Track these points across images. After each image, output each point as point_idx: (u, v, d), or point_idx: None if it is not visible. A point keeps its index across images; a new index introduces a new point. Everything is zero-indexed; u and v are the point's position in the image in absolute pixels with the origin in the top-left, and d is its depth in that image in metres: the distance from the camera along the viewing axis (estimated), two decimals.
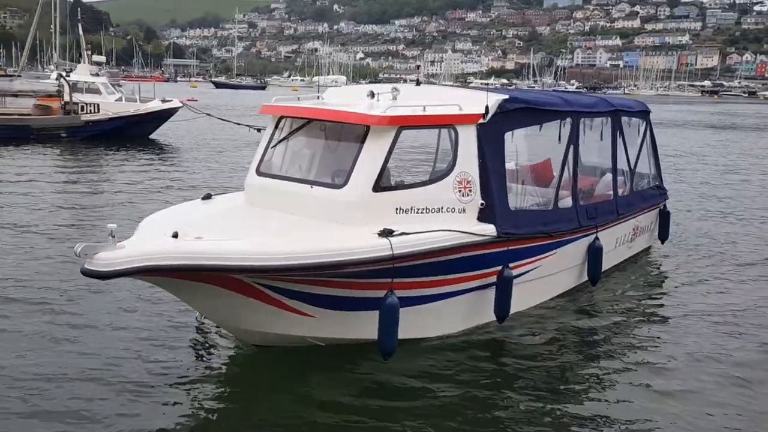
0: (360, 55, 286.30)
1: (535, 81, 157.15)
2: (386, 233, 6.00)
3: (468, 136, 7.01)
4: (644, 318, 8.56)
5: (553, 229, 8.01)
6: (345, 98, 7.83)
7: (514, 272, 7.25)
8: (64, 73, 27.22)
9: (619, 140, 9.98)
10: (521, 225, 7.41)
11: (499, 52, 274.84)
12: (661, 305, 9.10)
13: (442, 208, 6.72)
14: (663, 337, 7.86)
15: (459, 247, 6.53)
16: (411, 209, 6.54)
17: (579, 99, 9.47)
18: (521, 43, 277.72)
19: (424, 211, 6.63)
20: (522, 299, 7.74)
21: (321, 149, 7.30)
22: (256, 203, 6.92)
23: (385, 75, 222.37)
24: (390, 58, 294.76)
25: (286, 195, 6.70)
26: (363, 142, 6.59)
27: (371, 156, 6.52)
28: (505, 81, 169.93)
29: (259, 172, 7.13)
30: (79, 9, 55.43)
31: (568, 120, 8.62)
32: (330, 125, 7.09)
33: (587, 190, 9.64)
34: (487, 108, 7.12)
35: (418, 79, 8.99)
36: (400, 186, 6.85)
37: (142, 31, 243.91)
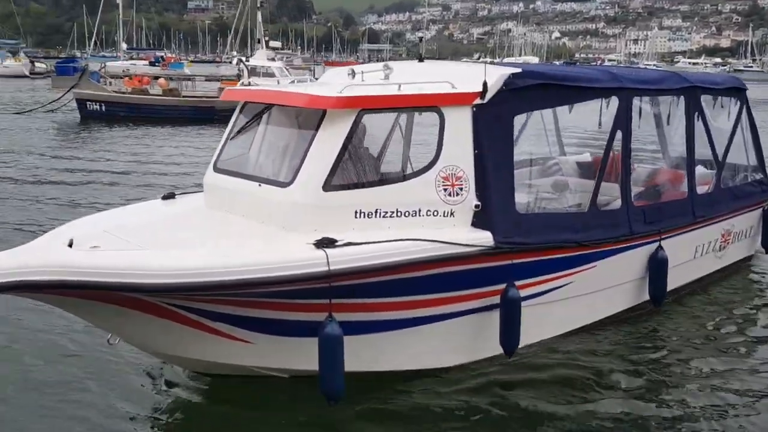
0: (556, 34, 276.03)
1: (754, 60, 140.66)
2: (324, 243, 4.79)
3: (458, 121, 5.53)
4: (721, 353, 6.56)
5: (587, 237, 6.27)
6: (335, 78, 6.65)
7: (525, 292, 5.75)
8: (244, 59, 28.93)
9: (698, 124, 7.85)
10: (533, 232, 5.86)
11: (713, 28, 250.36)
12: (752, 338, 6.92)
13: (419, 210, 5.35)
14: (748, 387, 5.85)
15: (428, 262, 5.11)
16: (376, 212, 5.23)
17: (635, 73, 7.45)
18: (739, 18, 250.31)
19: (394, 214, 5.26)
20: (541, 326, 6.21)
21: (276, 140, 5.97)
22: (211, 204, 5.83)
23: (582, 55, 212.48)
24: (588, 37, 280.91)
25: (236, 195, 5.59)
26: (317, 130, 5.33)
27: (323, 147, 5.23)
28: (718, 60, 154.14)
29: (216, 168, 6.01)
30: None
31: (614, 99, 6.83)
32: (285, 111, 5.82)
33: (647, 188, 7.83)
34: (485, 85, 5.58)
35: (420, 55, 7.28)
36: (362, 184, 5.32)
37: (341, 18, 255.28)
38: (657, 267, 6.95)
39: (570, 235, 6.14)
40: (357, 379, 5.22)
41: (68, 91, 29.45)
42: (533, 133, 8.29)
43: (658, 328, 7.11)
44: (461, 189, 5.45)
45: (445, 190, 5.41)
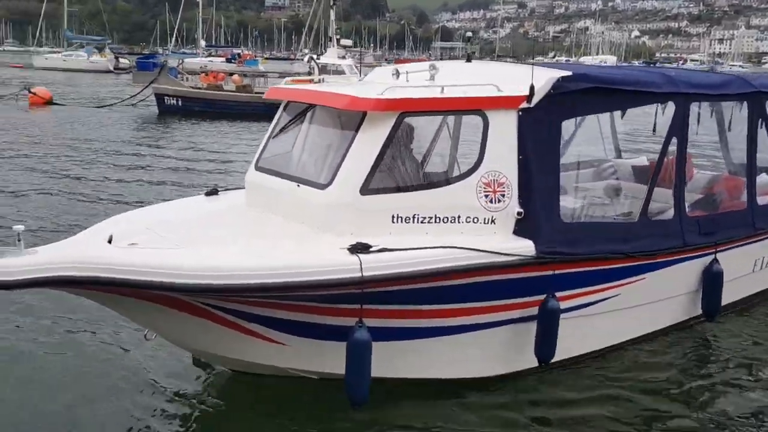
0: (635, 33, 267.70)
1: None
2: (359, 249, 4.68)
3: (503, 125, 5.32)
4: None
5: (636, 248, 5.96)
6: (381, 78, 6.42)
7: (567, 304, 5.52)
8: (315, 57, 29.14)
9: (762, 131, 7.37)
10: (578, 242, 5.59)
11: None
12: None
13: (458, 217, 5.18)
14: None
15: (463, 271, 4.95)
16: (414, 217, 5.08)
17: (695, 77, 6.98)
18: None
19: (432, 220, 5.11)
20: (584, 339, 6.00)
21: (317, 140, 5.89)
22: (251, 203, 5.82)
23: (663, 54, 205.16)
24: (670, 36, 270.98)
25: (276, 194, 5.53)
26: (357, 132, 5.22)
27: (362, 150, 5.12)
28: None
29: (257, 167, 5.97)
30: None
31: (671, 105, 6.45)
32: (327, 111, 5.70)
33: (704, 197, 7.40)
34: (532, 89, 5.35)
35: (468, 55, 7.03)
36: (400, 188, 5.20)
37: (415, 16, 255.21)
38: (711, 280, 6.64)
39: (617, 245, 5.88)
40: (392, 386, 5.20)
41: (147, 86, 30.49)
42: (588, 134, 8.00)
43: (711, 342, 6.80)
44: (503, 195, 5.28)
45: (487, 196, 5.25)
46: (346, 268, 4.55)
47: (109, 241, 4.71)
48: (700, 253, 6.57)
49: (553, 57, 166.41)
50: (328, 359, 5.02)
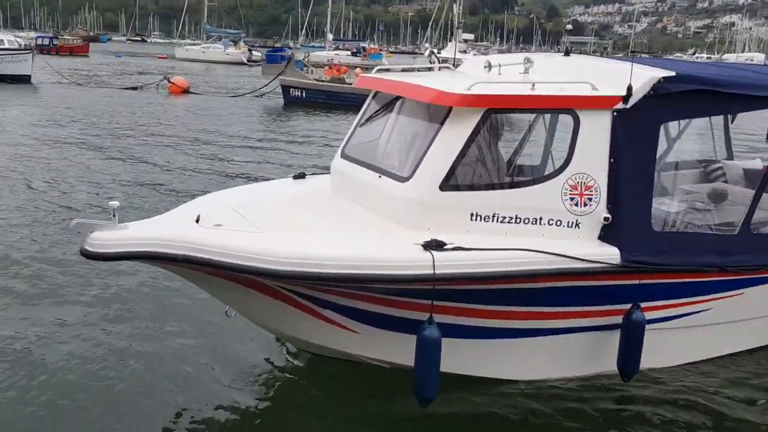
0: None
1: None
2: (433, 245, 4.55)
3: (596, 126, 5.03)
4: None
5: (733, 261, 5.52)
6: (474, 69, 6.14)
7: (652, 315, 5.23)
8: (435, 51, 29.00)
9: None
10: (669, 251, 5.23)
11: None
12: None
13: (540, 219, 4.97)
14: None
15: (538, 276, 4.76)
16: (493, 216, 4.92)
17: None
18: None
19: (513, 220, 4.93)
20: (670, 352, 5.71)
21: (404, 131, 5.76)
22: (336, 189, 5.83)
23: None
24: None
25: (358, 183, 5.49)
26: (441, 126, 5.05)
27: (446, 145, 4.98)
28: None
29: (343, 154, 5.92)
30: None
31: None
32: (414, 104, 5.56)
33: None
34: (629, 89, 4.99)
35: (567, 48, 6.71)
36: (481, 186, 5.04)
37: (545, 10, 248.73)
38: None
39: (713, 258, 5.48)
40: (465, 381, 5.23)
41: (275, 78, 31.78)
42: (696, 131, 7.45)
43: None
44: (590, 199, 5.03)
45: (572, 199, 5.03)
46: (419, 265, 4.50)
47: (197, 221, 4.90)
48: None
49: (693, 54, 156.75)
50: (399, 350, 5.02)
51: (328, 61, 52.41)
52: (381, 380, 5.44)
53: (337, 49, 73.33)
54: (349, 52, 69.00)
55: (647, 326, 5.13)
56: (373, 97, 6.25)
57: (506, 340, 5.22)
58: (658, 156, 6.85)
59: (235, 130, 21.20)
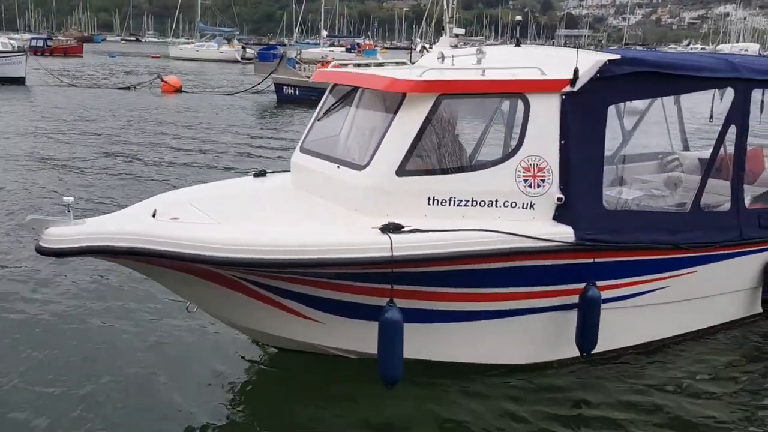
0: None
1: None
2: (390, 228, 4.65)
3: (546, 109, 5.20)
4: None
5: (685, 238, 5.69)
6: (429, 62, 6.29)
7: (609, 293, 5.37)
8: (427, 46, 28.96)
9: None
10: (622, 230, 5.39)
11: None
12: None
13: (496, 201, 5.09)
14: None
15: (494, 255, 4.86)
16: (450, 200, 5.03)
17: (756, 63, 6.44)
18: None
19: (469, 203, 5.04)
20: (628, 331, 5.86)
21: (362, 122, 5.88)
22: (297, 184, 5.90)
23: None
24: None
25: (317, 175, 5.59)
26: (396, 113, 5.17)
27: (401, 131, 5.10)
28: None
29: (302, 149, 6.03)
30: None
31: (729, 91, 6.10)
32: (373, 94, 5.67)
33: (765, 190, 6.96)
34: (576, 72, 5.18)
35: (517, 39, 6.91)
36: (437, 171, 5.16)
37: (539, 3, 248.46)
38: None
39: (665, 236, 5.65)
40: (424, 367, 5.26)
41: (267, 76, 31.81)
42: (652, 125, 7.71)
43: (764, 343, 6.40)
44: (543, 180, 5.17)
45: (526, 180, 5.16)
46: (376, 247, 4.57)
47: (153, 216, 4.94)
48: (760, 248, 6.26)
49: (688, 44, 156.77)
50: (363, 339, 5.07)
51: (322, 57, 52.35)
52: (347, 373, 5.46)
53: (331, 45, 73.24)
54: (343, 49, 68.90)
55: (605, 305, 5.28)
56: (330, 90, 6.36)
57: (467, 323, 5.32)
58: (617, 148, 7.08)
59: (227, 128, 21.27)
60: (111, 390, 5.38)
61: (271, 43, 75.14)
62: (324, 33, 74.44)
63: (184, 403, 5.24)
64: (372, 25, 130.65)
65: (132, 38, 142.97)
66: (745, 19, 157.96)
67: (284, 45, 66.60)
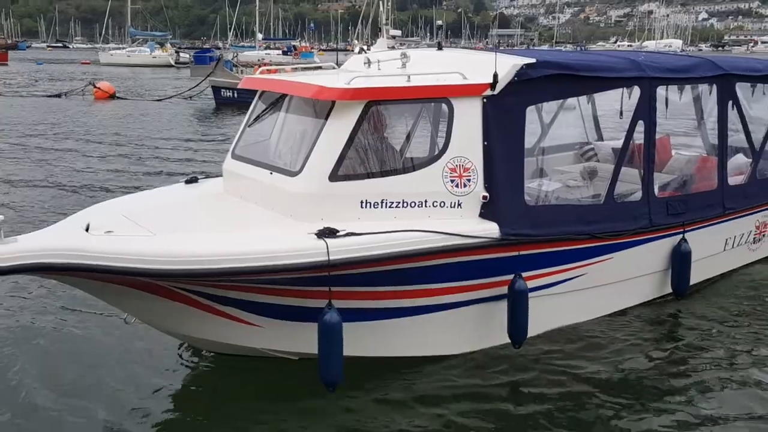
0: (703, 15, 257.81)
1: None
2: (326, 233, 4.81)
3: (469, 112, 5.49)
4: (738, 348, 6.28)
5: (601, 228, 6.12)
6: (355, 66, 6.61)
7: (534, 283, 5.72)
8: (365, 47, 29.22)
9: (733, 113, 7.50)
10: (542, 223, 5.77)
11: None
12: None
13: (425, 201, 5.34)
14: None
15: (426, 254, 5.09)
16: (382, 203, 5.26)
17: (660, 61, 7.00)
18: None
19: (400, 204, 5.28)
20: (554, 317, 6.19)
21: (291, 129, 6.05)
22: (230, 190, 5.98)
23: (732, 37, 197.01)
24: (740, 17, 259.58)
25: (250, 182, 5.69)
26: (326, 120, 5.37)
27: (331, 138, 5.29)
28: None
29: (234, 155, 6.12)
30: None
31: (636, 89, 6.61)
32: (303, 101, 5.84)
33: (674, 179, 7.58)
34: (495, 77, 5.48)
35: (439, 43, 7.36)
36: (368, 174, 5.38)
37: (472, 4, 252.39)
38: (680, 259, 6.84)
39: (582, 227, 6.04)
40: (364, 365, 5.35)
41: (204, 79, 31.38)
42: (569, 118, 8.19)
43: (679, 317, 6.93)
44: (469, 180, 5.44)
45: (453, 181, 5.41)
46: (314, 252, 4.69)
47: (87, 230, 4.89)
48: (668, 233, 6.73)
49: (615, 42, 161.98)
50: (303, 340, 5.16)
51: (258, 60, 51.92)
52: (290, 376, 5.49)
53: (267, 48, 72.68)
54: (279, 51, 68.51)
55: (531, 294, 5.58)
56: (260, 97, 6.43)
57: (404, 319, 5.49)
58: (536, 142, 7.48)
59: (164, 134, 20.93)
60: (45, 398, 5.29)
61: (205, 47, 73.94)
62: (260, 36, 73.59)
63: (122, 412, 5.19)
64: (308, 28, 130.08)
65: (59, 44, 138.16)
66: (668, 16, 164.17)
67: (219, 48, 65.57)
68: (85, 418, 5.08)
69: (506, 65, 5.59)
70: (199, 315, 5.15)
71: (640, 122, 6.59)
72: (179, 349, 6.10)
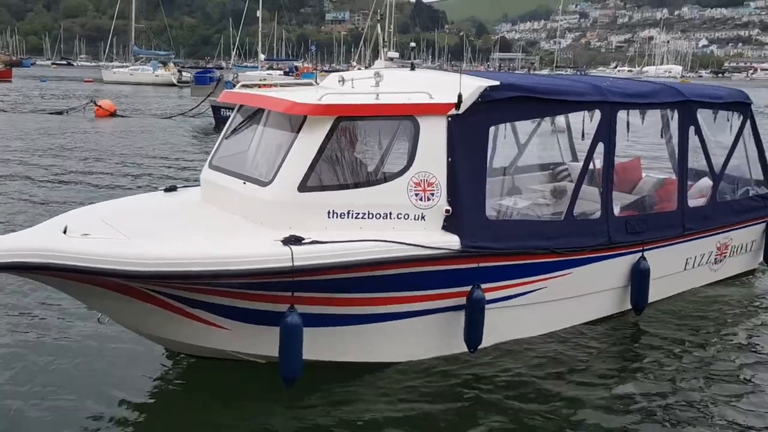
0: (703, 42, 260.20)
1: None
2: (291, 240, 5.03)
3: (433, 130, 5.75)
4: (693, 364, 6.49)
5: (560, 244, 6.32)
6: (332, 84, 6.92)
7: (492, 295, 5.93)
8: (362, 68, 29.60)
9: (694, 138, 7.82)
10: (502, 237, 5.98)
11: None
12: (734, 346, 6.93)
13: (390, 213, 5.57)
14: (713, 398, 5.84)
15: (387, 263, 5.31)
16: (348, 213, 5.48)
17: (622, 86, 7.33)
18: None
19: (366, 215, 5.50)
20: (512, 328, 6.38)
21: (265, 141, 6.35)
22: (206, 199, 6.28)
23: (732, 64, 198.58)
24: (740, 45, 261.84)
25: (225, 191, 5.97)
26: (297, 134, 5.64)
27: (302, 150, 5.56)
28: None
29: (211, 165, 6.42)
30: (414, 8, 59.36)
31: (597, 113, 6.86)
32: (275, 115, 6.14)
33: (637, 199, 7.97)
34: (460, 97, 5.75)
35: (412, 63, 7.66)
36: (336, 186, 5.63)
37: (474, 27, 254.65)
38: (639, 277, 7.01)
39: (541, 242, 6.22)
40: (324, 369, 5.58)
41: (205, 98, 31.62)
42: (544, 139, 8.46)
43: (636, 334, 7.12)
44: (432, 194, 5.67)
45: (417, 194, 5.64)
46: (279, 258, 4.90)
47: (65, 232, 5.07)
48: (627, 251, 6.92)
49: (615, 67, 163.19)
50: (268, 344, 5.32)
51: (261, 80, 52.26)
52: (258, 378, 5.64)
53: (269, 68, 73.19)
54: (281, 72, 68.98)
55: (490, 305, 5.78)
56: (238, 110, 6.71)
57: (365, 326, 5.68)
58: (512, 161, 7.78)
59: (162, 151, 21.08)
60: (19, 397, 5.43)
61: (208, 66, 74.53)
62: (262, 56, 74.20)
63: (93, 411, 5.31)
64: (310, 49, 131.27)
65: (63, 62, 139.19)
66: (668, 42, 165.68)
67: (222, 68, 66.19)
68: (50, 417, 5.21)
69: (471, 86, 5.87)
70: (169, 317, 5.34)
71: (600, 144, 6.82)
72: (154, 350, 6.23)
